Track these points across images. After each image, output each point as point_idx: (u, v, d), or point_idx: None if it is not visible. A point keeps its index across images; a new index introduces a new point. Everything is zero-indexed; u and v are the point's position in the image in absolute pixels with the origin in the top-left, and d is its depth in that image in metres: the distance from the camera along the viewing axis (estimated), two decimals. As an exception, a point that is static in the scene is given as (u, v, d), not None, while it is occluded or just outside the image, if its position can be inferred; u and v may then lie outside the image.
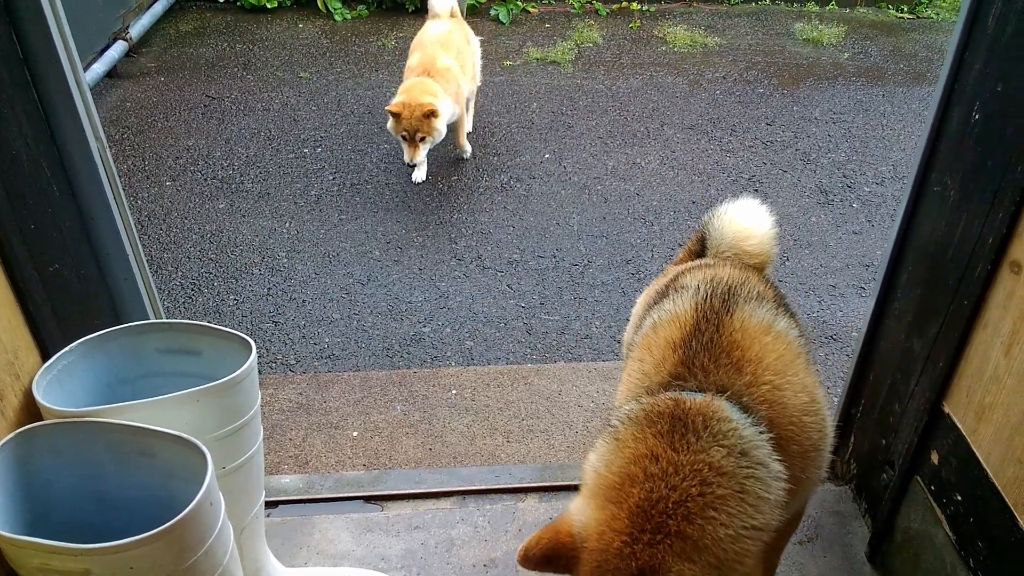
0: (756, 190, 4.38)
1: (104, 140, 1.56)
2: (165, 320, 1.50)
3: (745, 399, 1.32)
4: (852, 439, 1.99)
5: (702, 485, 1.19)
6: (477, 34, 6.05)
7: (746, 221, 1.80)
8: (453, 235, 3.99)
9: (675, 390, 1.34)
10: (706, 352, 1.38)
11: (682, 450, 1.22)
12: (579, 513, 1.28)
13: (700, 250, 1.88)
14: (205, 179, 4.32)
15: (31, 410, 1.35)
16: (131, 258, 1.66)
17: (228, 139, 4.70)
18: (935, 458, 1.62)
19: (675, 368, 1.38)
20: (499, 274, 3.72)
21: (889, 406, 1.81)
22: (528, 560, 1.27)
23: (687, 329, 1.44)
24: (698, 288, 1.52)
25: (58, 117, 1.48)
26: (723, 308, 1.45)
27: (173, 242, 3.86)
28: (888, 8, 6.87)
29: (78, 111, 1.49)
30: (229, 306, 3.47)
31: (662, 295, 1.66)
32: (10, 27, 1.37)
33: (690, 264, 1.81)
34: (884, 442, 1.83)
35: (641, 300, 1.87)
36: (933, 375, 1.60)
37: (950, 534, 1.57)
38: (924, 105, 5.33)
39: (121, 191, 1.61)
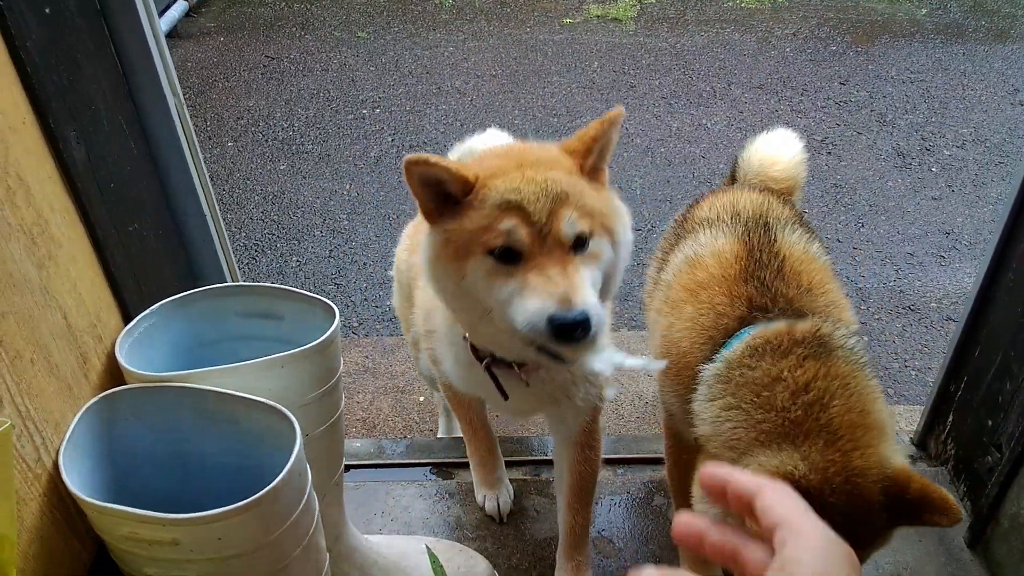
0: (829, 153, 4.20)
1: (181, 97, 1.51)
2: (247, 283, 1.46)
3: (830, 316, 1.37)
4: (951, 418, 1.88)
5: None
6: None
7: (772, 148, 1.83)
8: (514, 198, 3.91)
9: (761, 321, 1.35)
10: (780, 280, 1.41)
11: (834, 369, 1.25)
12: (777, 459, 1.19)
13: (733, 182, 1.90)
14: (266, 140, 4.30)
15: (114, 374, 1.32)
16: (208, 219, 1.62)
17: (288, 100, 4.66)
18: (1054, 441, 1.51)
19: (753, 300, 1.39)
20: (562, 238, 3.63)
21: (998, 384, 1.69)
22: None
23: (744, 262, 1.44)
24: (733, 218, 1.54)
25: (136, 72, 1.43)
26: (771, 237, 1.48)
27: (236, 203, 3.85)
28: (970, -40, 6.49)
29: (156, 66, 1.44)
30: (292, 267, 3.46)
31: (680, 227, 1.68)
32: (88, -23, 1.32)
33: (700, 197, 1.80)
34: (990, 423, 1.72)
35: (666, 235, 1.85)
36: (1055, 353, 1.49)
37: (1068, 523, 1.47)
38: (1008, 64, 5.04)
39: (198, 149, 1.57)
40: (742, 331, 1.36)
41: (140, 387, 1.27)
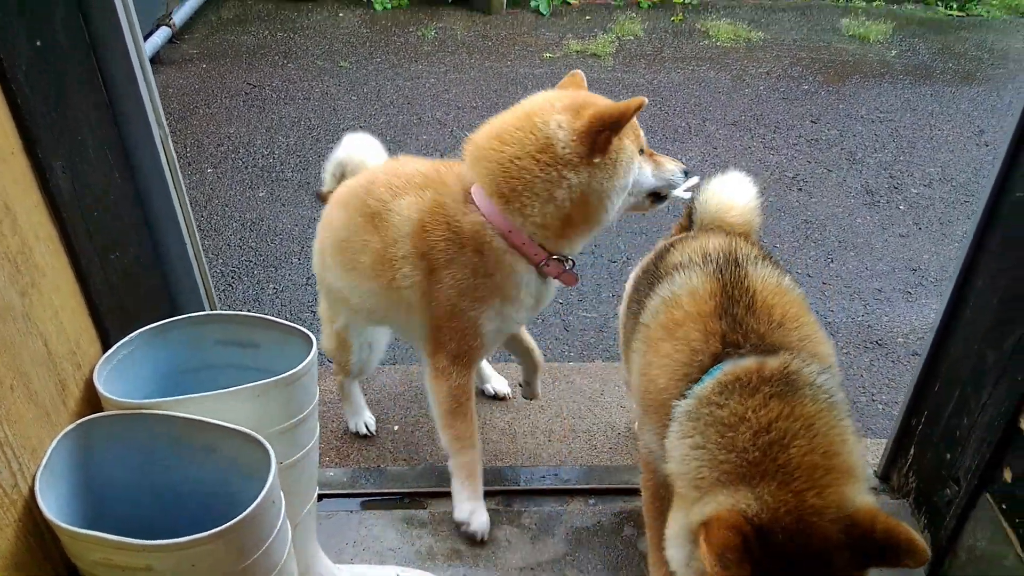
0: (800, 189, 4.30)
1: (166, 128, 1.54)
2: (225, 312, 1.48)
3: (802, 352, 1.40)
4: (912, 451, 1.94)
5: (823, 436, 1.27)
6: (518, 26, 6.00)
7: (728, 193, 1.84)
8: (493, 228, 3.95)
9: (733, 357, 1.38)
10: (751, 316, 1.44)
11: (798, 409, 1.28)
12: (733, 499, 1.23)
13: (689, 224, 1.93)
14: (246, 167, 4.33)
15: (92, 400, 1.34)
16: (189, 247, 1.65)
17: (269, 127, 4.70)
18: (1008, 475, 1.56)
19: (727, 336, 1.42)
20: (539, 269, 3.68)
21: (956, 419, 1.75)
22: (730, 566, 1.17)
23: (719, 299, 1.48)
24: (704, 259, 1.58)
25: (123, 105, 1.46)
26: (741, 274, 1.52)
27: (214, 229, 3.86)
28: (937, 5, 6.72)
29: (142, 97, 1.47)
30: (268, 295, 3.47)
31: (654, 274, 1.71)
32: (79, 13, 1.36)
33: (671, 239, 1.85)
34: (949, 456, 1.77)
35: (633, 275, 1.91)
36: (1010, 389, 1.54)
37: (1022, 555, 1.52)
38: (974, 106, 5.20)
39: (181, 180, 1.60)
40: (714, 368, 1.39)
41: (117, 414, 1.28)
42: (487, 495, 2.04)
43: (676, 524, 1.33)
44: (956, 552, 1.73)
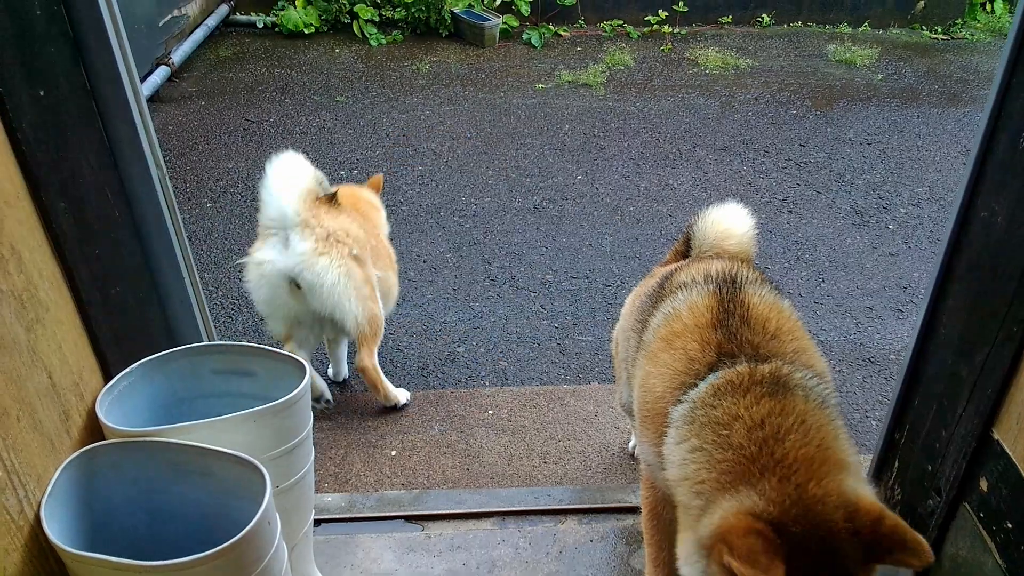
0: (790, 211, 4.38)
1: (164, 168, 1.61)
2: (222, 342, 1.54)
3: (795, 362, 1.46)
4: (896, 464, 1.98)
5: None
6: (510, 58, 6.12)
7: (727, 222, 1.92)
8: (486, 256, 4.02)
9: (726, 366, 1.43)
10: (746, 327, 1.51)
11: (790, 406, 1.33)
12: (737, 502, 1.24)
13: (686, 251, 2.00)
14: (244, 201, 4.41)
15: (94, 429, 1.39)
16: (187, 281, 1.71)
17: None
18: (984, 485, 1.60)
19: (721, 346, 1.48)
20: (532, 295, 3.74)
21: (935, 432, 1.80)
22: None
23: (715, 312, 1.54)
24: (706, 279, 1.64)
25: (121, 146, 1.53)
26: (738, 290, 1.59)
27: (213, 262, 3.93)
28: (922, 29, 6.84)
29: (140, 140, 1.54)
30: (267, 326, 3.53)
31: (658, 294, 1.76)
32: (79, 60, 1.43)
33: (677, 264, 1.93)
34: (930, 468, 1.81)
35: (631, 299, 1.97)
36: (981, 401, 1.59)
37: (1000, 562, 1.55)
38: (960, 126, 5.29)
39: (179, 216, 1.66)
40: (709, 376, 1.44)
41: (119, 442, 1.34)
42: (482, 516, 2.08)
43: (686, 544, 1.33)
44: (941, 561, 1.77)
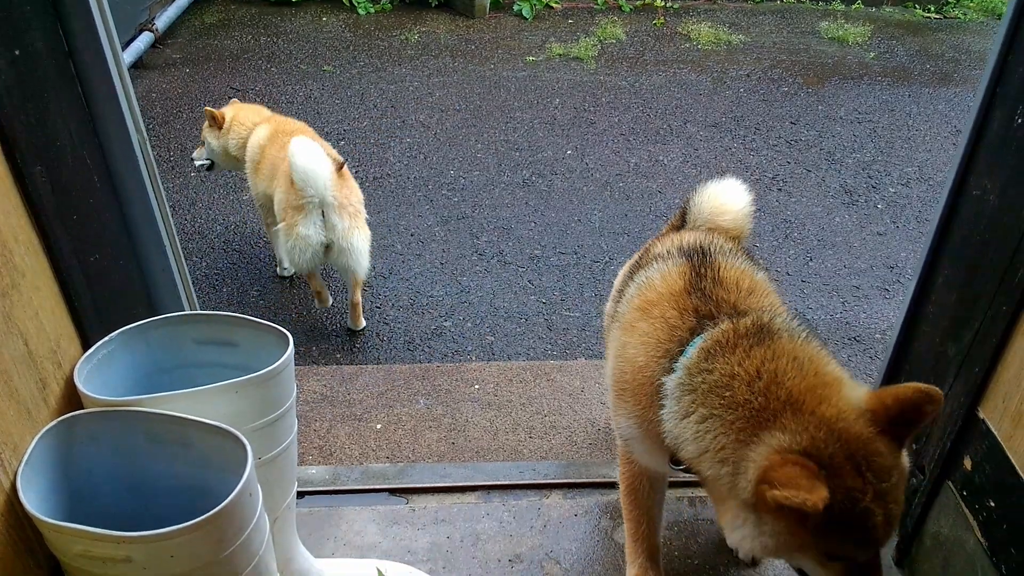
0: (780, 189, 4.36)
1: (144, 133, 1.57)
2: (204, 311, 1.51)
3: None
4: (880, 442, 1.99)
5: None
6: (501, 30, 6.04)
7: (723, 197, 1.91)
8: (474, 230, 4.00)
9: (709, 328, 1.45)
10: (720, 288, 1.53)
11: (779, 348, 1.37)
12: (765, 447, 1.27)
13: (682, 225, 1.99)
14: (230, 170, 4.35)
15: (72, 398, 1.37)
16: (168, 249, 1.68)
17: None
18: (968, 464, 1.61)
19: (699, 310, 1.50)
20: (520, 270, 3.72)
21: (920, 410, 1.80)
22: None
23: (688, 278, 1.56)
24: (679, 249, 1.66)
25: (101, 110, 1.49)
26: (709, 258, 1.61)
27: (198, 232, 3.88)
28: (915, 7, 6.81)
29: (120, 105, 1.50)
30: (252, 297, 3.50)
31: (635, 266, 1.78)
32: (57, 22, 1.39)
33: (660, 236, 1.94)
34: (915, 447, 1.82)
35: (622, 273, 1.95)
36: (968, 380, 1.59)
37: (982, 540, 1.56)
38: (951, 106, 5.28)
39: (160, 184, 1.63)
40: (694, 340, 1.45)
41: (97, 411, 1.31)
42: (467, 490, 2.08)
43: (729, 511, 1.35)
44: (922, 538, 1.78)
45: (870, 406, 1.27)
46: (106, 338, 1.42)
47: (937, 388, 1.23)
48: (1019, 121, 1.49)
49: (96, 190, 1.53)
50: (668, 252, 1.69)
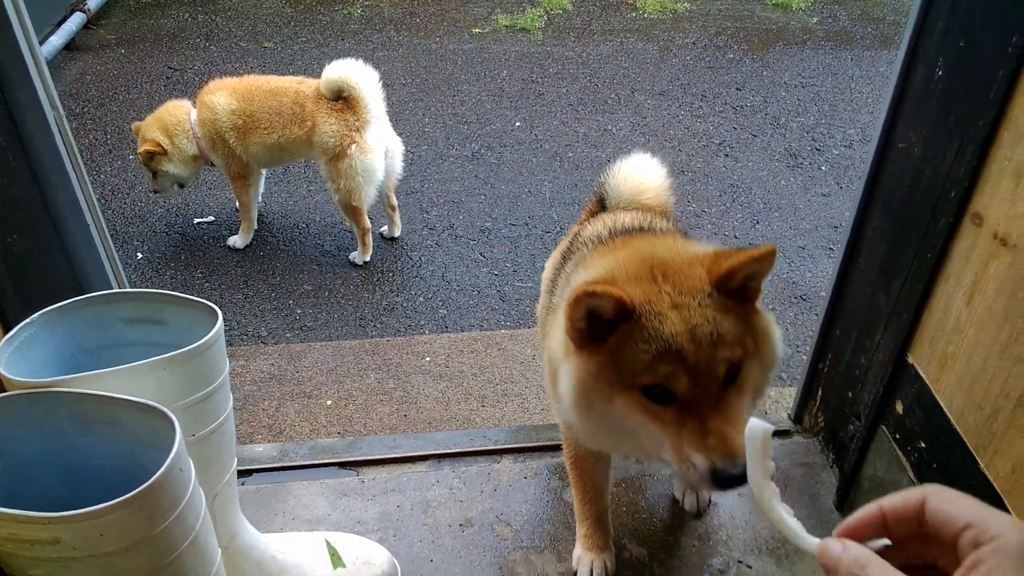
0: (727, 155, 4.40)
1: (61, 110, 1.52)
2: (129, 290, 1.48)
3: None
4: (820, 393, 2.03)
5: None
6: (446, 2, 5.96)
7: (640, 176, 1.83)
8: (424, 204, 3.97)
9: None
10: None
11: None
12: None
13: (600, 209, 1.91)
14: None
15: (-6, 383, 1.32)
16: (92, 228, 1.63)
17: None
18: (900, 408, 1.65)
19: None
20: (471, 243, 3.71)
21: (855, 359, 1.84)
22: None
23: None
24: (611, 232, 1.60)
25: (12, 87, 1.44)
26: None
27: (138, 216, 3.80)
28: (856, -29, 6.87)
29: (33, 81, 1.45)
30: (198, 279, 3.43)
31: (567, 252, 1.73)
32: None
33: (583, 222, 1.88)
34: (850, 394, 1.86)
35: (550, 264, 1.91)
36: (898, 328, 1.63)
37: (915, 480, 1.61)
38: (892, 69, 5.36)
39: (80, 161, 1.58)
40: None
41: (19, 394, 1.28)
42: (417, 460, 2.07)
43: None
44: (860, 482, 1.83)
45: (706, 258, 1.24)
46: (27, 320, 1.38)
47: (766, 246, 1.21)
48: (939, 74, 1.52)
49: (12, 170, 1.47)
50: (599, 236, 1.63)
